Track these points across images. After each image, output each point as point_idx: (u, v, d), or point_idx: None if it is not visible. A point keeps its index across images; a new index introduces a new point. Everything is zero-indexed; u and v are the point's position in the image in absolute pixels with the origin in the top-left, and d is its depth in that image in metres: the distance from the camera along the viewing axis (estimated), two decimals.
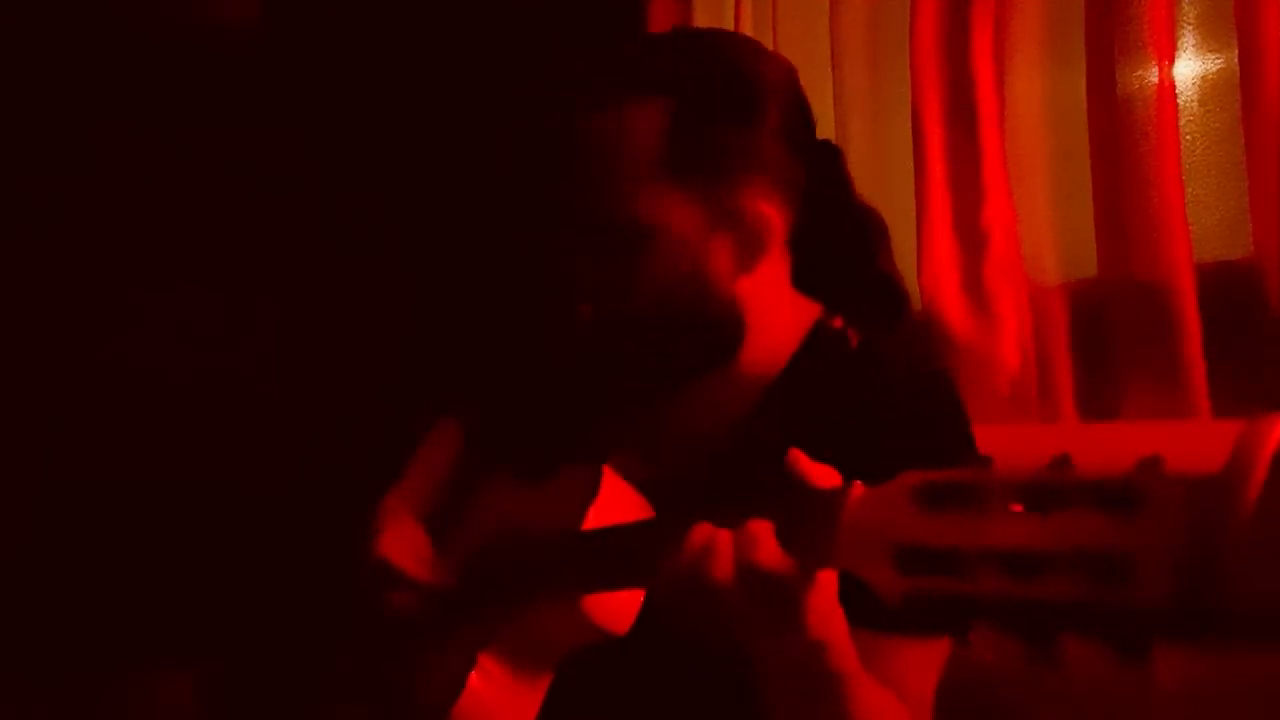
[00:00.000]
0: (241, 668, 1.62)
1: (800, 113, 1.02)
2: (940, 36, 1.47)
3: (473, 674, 0.90)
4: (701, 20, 1.77)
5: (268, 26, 1.93)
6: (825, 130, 1.60)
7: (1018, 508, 0.47)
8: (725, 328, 0.98)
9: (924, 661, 0.88)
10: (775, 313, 1.01)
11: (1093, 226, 1.35)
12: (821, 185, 1.02)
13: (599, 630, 0.87)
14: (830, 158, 1.06)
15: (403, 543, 1.06)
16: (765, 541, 0.67)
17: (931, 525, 0.51)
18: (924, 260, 1.46)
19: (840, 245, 1.05)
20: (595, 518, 0.89)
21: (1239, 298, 1.24)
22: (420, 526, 1.09)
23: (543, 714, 0.93)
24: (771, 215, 0.96)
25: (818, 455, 0.70)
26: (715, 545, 0.69)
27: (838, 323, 1.02)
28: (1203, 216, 1.31)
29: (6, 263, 1.74)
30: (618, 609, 0.87)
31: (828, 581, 0.68)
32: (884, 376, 0.98)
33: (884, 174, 1.56)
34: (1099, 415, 1.34)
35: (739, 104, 0.96)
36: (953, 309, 1.43)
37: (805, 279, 1.05)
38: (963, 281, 1.44)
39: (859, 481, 0.61)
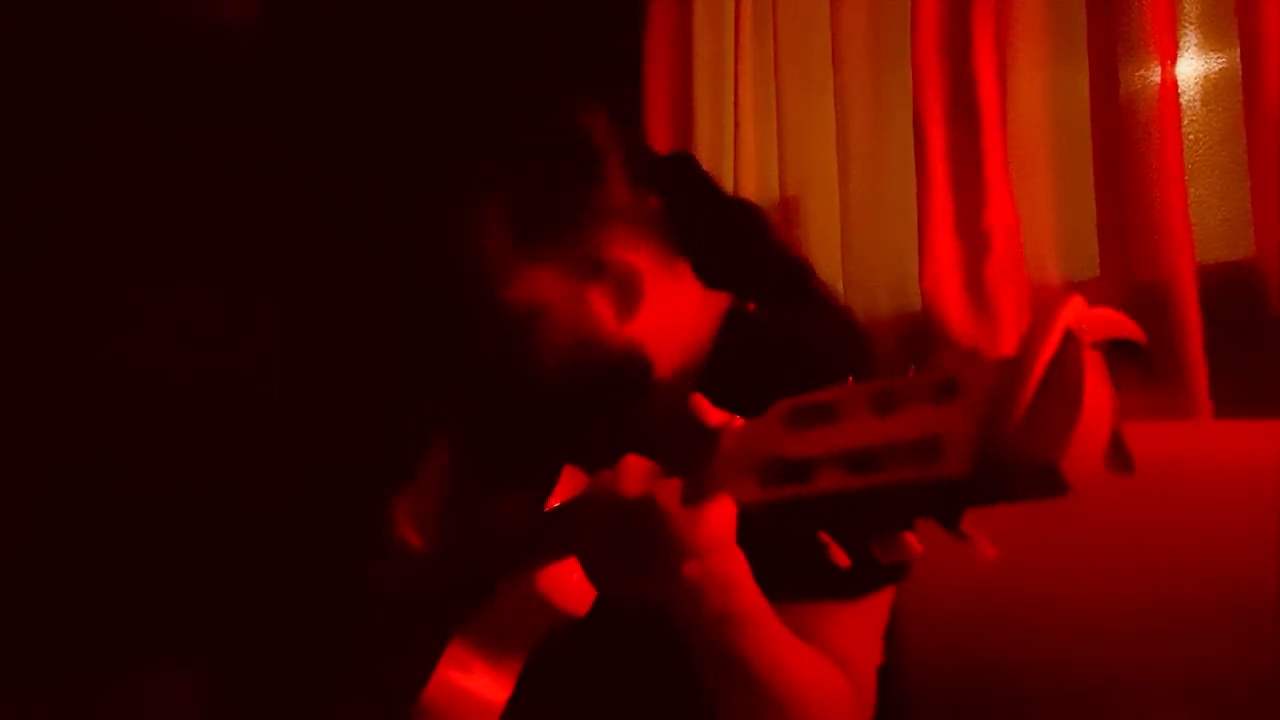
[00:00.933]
0: (242, 668, 1.63)
1: (637, 146, 1.08)
2: (942, 37, 1.47)
3: (441, 661, 0.91)
4: (701, 20, 1.76)
5: (267, 26, 1.93)
6: (826, 130, 1.61)
7: (869, 416, 0.51)
8: (629, 371, 1.02)
9: (861, 629, 0.91)
10: (679, 321, 1.04)
11: (1094, 227, 1.35)
12: (685, 194, 1.07)
13: (558, 611, 0.89)
14: (681, 168, 1.11)
15: (414, 512, 1.10)
16: (633, 471, 0.72)
17: (794, 441, 0.55)
18: (925, 260, 1.46)
19: (723, 237, 1.09)
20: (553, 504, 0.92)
21: (1240, 298, 1.24)
22: (437, 505, 1.12)
23: (514, 699, 0.94)
24: (636, 259, 1.00)
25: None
26: (610, 479, 0.73)
27: (750, 306, 1.06)
28: (1205, 217, 1.31)
29: (5, 263, 1.74)
30: (573, 589, 0.89)
31: (720, 513, 0.70)
32: (799, 346, 1.01)
33: (886, 174, 1.56)
34: None
35: (579, 170, 1.00)
36: (954, 309, 1.43)
37: (708, 274, 1.08)
38: (964, 282, 1.44)
39: (739, 417, 0.65)
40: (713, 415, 0.70)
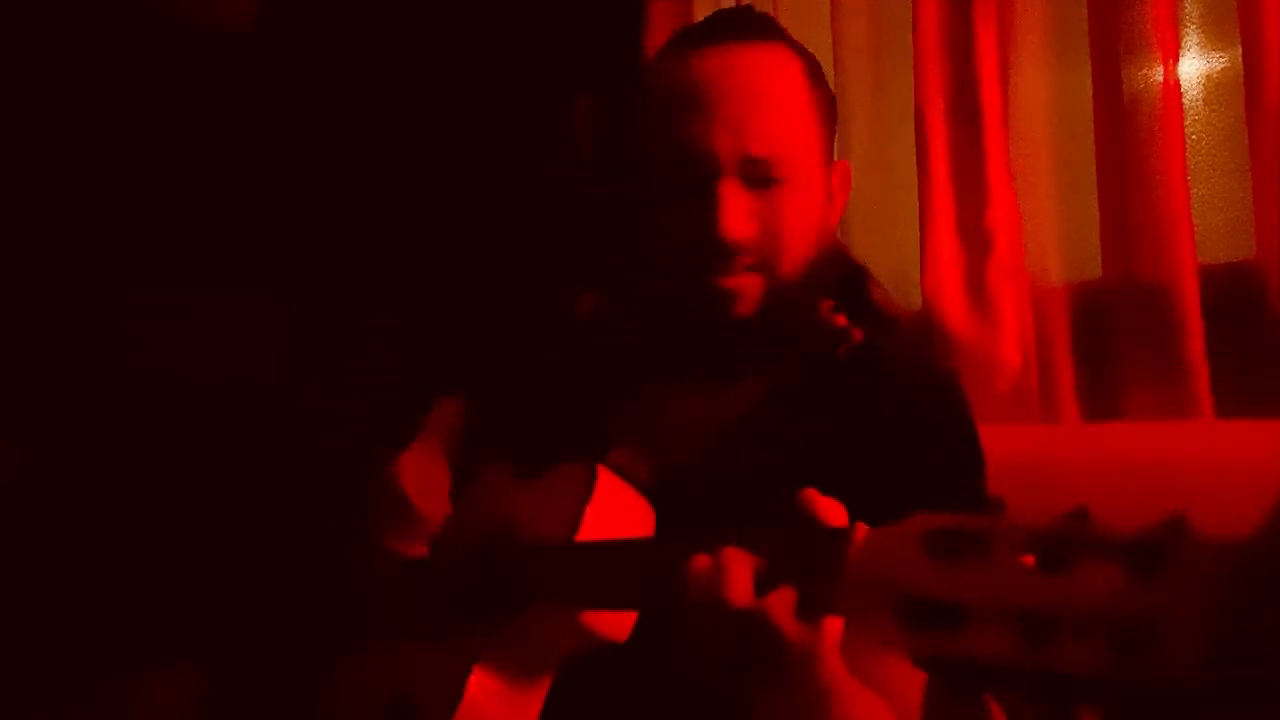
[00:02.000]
0: (241, 668, 1.62)
1: None
2: (943, 36, 1.47)
3: (470, 680, 0.89)
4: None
5: (264, 28, 1.93)
6: None
7: (1030, 560, 0.45)
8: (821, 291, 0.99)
9: (902, 685, 0.84)
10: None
11: (1096, 227, 1.35)
12: None
13: (597, 637, 0.86)
14: None
15: (418, 471, 1.05)
16: (738, 574, 0.64)
17: (939, 576, 0.48)
18: (927, 261, 1.46)
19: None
20: (592, 518, 0.88)
21: (1242, 299, 1.24)
22: (444, 462, 1.08)
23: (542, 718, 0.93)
24: (847, 178, 1.01)
25: (823, 447, 0.68)
26: (712, 579, 0.66)
27: (841, 319, 1.01)
28: (1207, 217, 1.31)
29: (3, 265, 1.74)
30: (616, 616, 0.86)
31: (837, 626, 0.64)
32: (888, 372, 0.96)
33: (887, 175, 1.56)
34: (1101, 416, 1.34)
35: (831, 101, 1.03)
36: (955, 309, 1.43)
37: None
38: (965, 282, 1.44)
39: (863, 524, 0.58)
40: (832, 514, 0.65)
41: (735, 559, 0.65)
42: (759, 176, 0.92)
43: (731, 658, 0.66)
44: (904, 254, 1.52)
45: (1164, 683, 0.38)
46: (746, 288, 0.93)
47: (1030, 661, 0.42)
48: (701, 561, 0.67)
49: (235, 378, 1.84)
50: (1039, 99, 1.42)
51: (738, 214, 0.91)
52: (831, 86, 1.49)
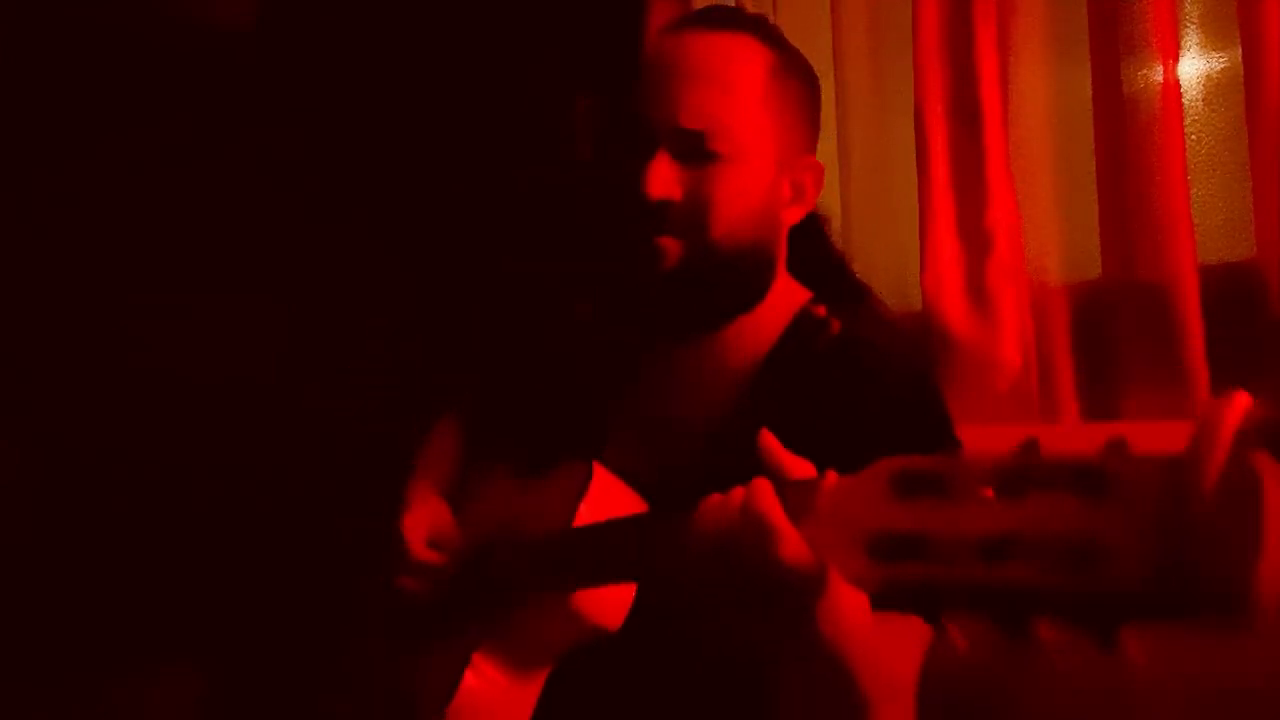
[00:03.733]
0: (242, 667, 1.62)
1: None
2: (943, 36, 1.46)
3: (468, 672, 0.90)
4: None
5: (264, 27, 1.93)
6: (827, 130, 1.60)
7: (989, 493, 0.48)
8: (768, 267, 1.03)
9: (903, 643, 0.87)
10: (781, 279, 1.06)
11: (1096, 226, 1.35)
12: None
13: (592, 627, 0.88)
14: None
15: (421, 523, 1.08)
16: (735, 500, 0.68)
17: (904, 512, 0.51)
18: (927, 260, 1.46)
19: (806, 235, 1.10)
20: (586, 512, 0.90)
21: (1242, 299, 1.24)
22: (445, 505, 1.11)
23: (538, 712, 0.93)
24: (819, 176, 1.05)
25: (803, 439, 0.70)
26: (726, 506, 0.69)
27: (821, 310, 1.06)
28: (1207, 217, 1.31)
29: (3, 265, 1.74)
30: (610, 605, 0.87)
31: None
32: (867, 362, 1.00)
33: (887, 174, 1.56)
34: (1101, 416, 1.34)
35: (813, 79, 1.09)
36: (955, 309, 1.43)
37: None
38: (965, 281, 1.44)
39: (833, 471, 0.61)
40: (793, 466, 0.68)
41: (751, 489, 0.67)
42: (691, 148, 0.97)
43: (744, 597, 0.68)
44: (904, 253, 1.52)
45: (1108, 591, 0.42)
46: (670, 246, 0.98)
47: (987, 579, 0.46)
48: (713, 499, 0.70)
49: (235, 378, 1.84)
50: (1039, 99, 1.42)
51: (661, 177, 0.97)
52: (831, 86, 1.49)
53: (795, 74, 1.05)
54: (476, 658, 0.91)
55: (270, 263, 1.88)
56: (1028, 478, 0.46)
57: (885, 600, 0.53)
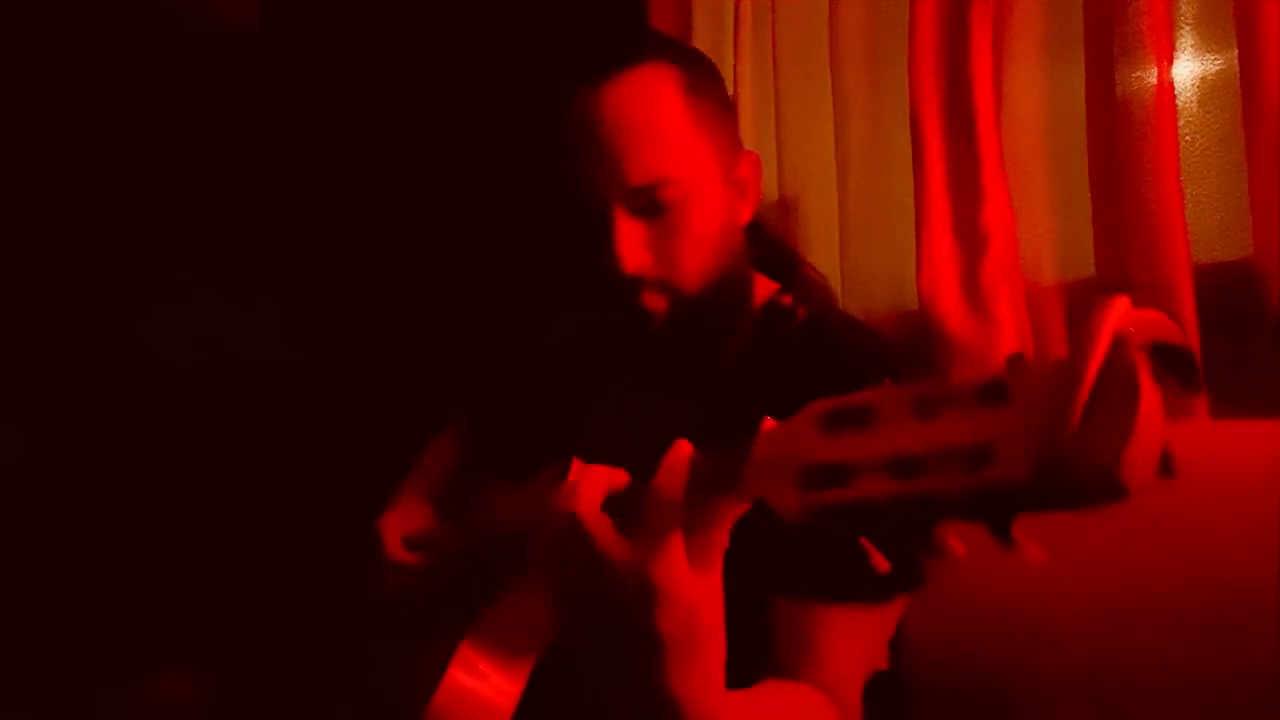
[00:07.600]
0: (241, 668, 1.63)
1: None
2: (939, 38, 1.47)
3: (451, 664, 0.91)
4: (700, 21, 1.77)
5: (266, 26, 1.93)
6: (825, 132, 1.61)
7: (909, 420, 0.51)
8: (745, 280, 1.06)
9: (851, 633, 0.90)
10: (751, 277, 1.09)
11: (1091, 227, 1.35)
12: None
13: None
14: None
15: (398, 523, 1.12)
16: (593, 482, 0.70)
17: (831, 445, 0.54)
18: (923, 261, 1.46)
19: (763, 226, 1.13)
20: None
21: (1238, 298, 1.24)
22: (426, 508, 1.13)
23: (523, 703, 0.94)
24: (757, 167, 1.07)
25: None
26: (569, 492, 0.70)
27: (788, 299, 1.08)
28: (1202, 217, 1.31)
29: (2, 264, 1.74)
30: None
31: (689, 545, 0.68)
32: (837, 342, 1.03)
33: (883, 174, 1.56)
34: None
35: (714, 70, 1.08)
36: (951, 308, 1.43)
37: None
38: (961, 281, 1.44)
39: (769, 418, 0.63)
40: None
41: (587, 472, 0.70)
42: (646, 204, 0.98)
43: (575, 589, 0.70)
44: (900, 254, 1.52)
45: (998, 487, 0.45)
46: (655, 305, 1.00)
47: (900, 492, 0.49)
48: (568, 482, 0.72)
49: (235, 377, 1.84)
50: (1033, 100, 1.43)
51: (631, 246, 0.98)
52: (829, 91, 1.50)
53: (704, 78, 1.05)
54: (461, 649, 0.92)
55: (270, 262, 1.88)
56: (942, 400, 0.49)
57: (812, 532, 0.56)
